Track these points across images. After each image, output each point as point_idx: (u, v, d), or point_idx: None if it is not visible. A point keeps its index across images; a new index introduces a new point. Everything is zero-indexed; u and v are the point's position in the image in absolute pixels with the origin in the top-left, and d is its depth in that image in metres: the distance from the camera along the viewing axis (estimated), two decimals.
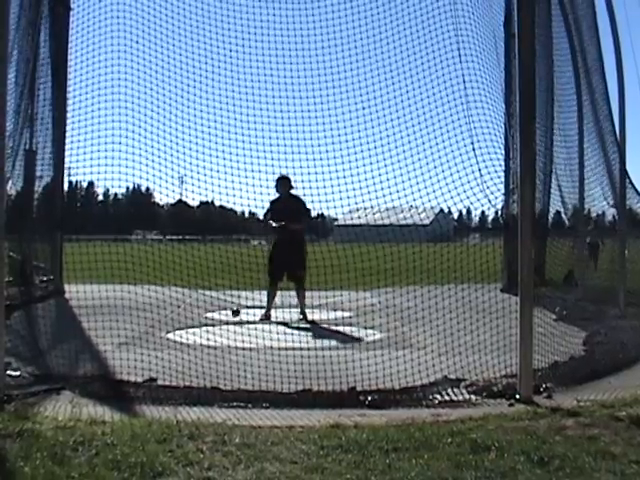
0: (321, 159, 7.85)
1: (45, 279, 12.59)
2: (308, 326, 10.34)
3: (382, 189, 7.77)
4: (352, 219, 12.48)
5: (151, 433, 4.64)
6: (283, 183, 10.65)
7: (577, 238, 12.29)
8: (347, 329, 9.95)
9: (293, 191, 10.81)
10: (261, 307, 11.18)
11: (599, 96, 10.88)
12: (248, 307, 11.66)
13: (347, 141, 8.11)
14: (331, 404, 5.70)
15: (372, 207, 9.23)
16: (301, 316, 10.77)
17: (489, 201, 7.14)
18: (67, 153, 11.41)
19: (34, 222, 11.89)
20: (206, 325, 9.92)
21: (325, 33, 8.24)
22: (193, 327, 9.64)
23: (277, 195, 10.92)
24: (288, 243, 10.75)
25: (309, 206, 10.66)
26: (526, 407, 5.54)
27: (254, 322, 10.09)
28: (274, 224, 10.75)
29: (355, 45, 8.36)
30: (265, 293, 11.32)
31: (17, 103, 9.35)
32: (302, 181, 10.10)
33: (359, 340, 8.99)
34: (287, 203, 10.77)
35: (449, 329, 7.95)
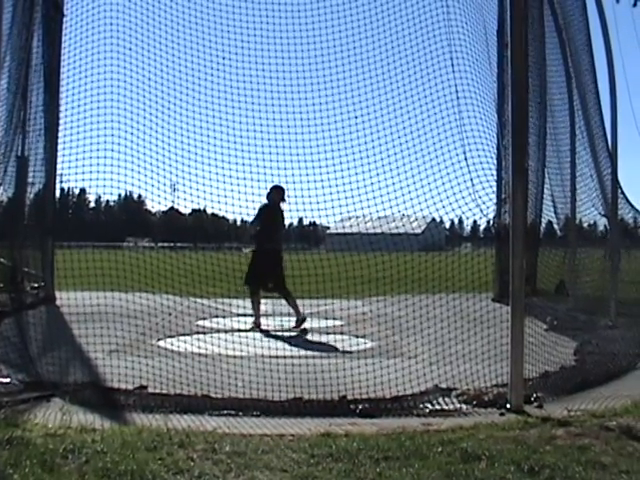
0: (313, 167, 7.87)
1: (36, 286, 12.55)
2: (299, 334, 10.32)
3: (374, 198, 7.80)
4: (344, 228, 12.48)
5: (141, 441, 4.62)
6: (277, 193, 10.52)
7: (569, 248, 12.31)
8: (338, 337, 9.93)
9: (283, 204, 10.72)
10: (253, 315, 11.15)
11: (591, 106, 10.93)
12: (239, 315, 11.63)
13: (339, 150, 8.12)
14: (322, 413, 5.69)
15: (364, 216, 9.23)
16: (295, 324, 10.67)
17: (481, 210, 7.18)
18: (59, 160, 11.44)
19: (25, 229, 11.87)
20: (197, 333, 9.90)
21: (318, 42, 8.27)
22: (184, 335, 9.62)
23: (267, 202, 10.68)
24: (265, 256, 10.65)
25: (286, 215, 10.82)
26: (517, 417, 5.55)
27: (245, 330, 10.07)
28: (252, 232, 10.73)
29: (348, 54, 8.40)
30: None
31: (9, 109, 9.34)
32: (294, 189, 10.17)
33: (350, 349, 8.97)
34: (275, 215, 10.72)
35: (440, 338, 7.96)
